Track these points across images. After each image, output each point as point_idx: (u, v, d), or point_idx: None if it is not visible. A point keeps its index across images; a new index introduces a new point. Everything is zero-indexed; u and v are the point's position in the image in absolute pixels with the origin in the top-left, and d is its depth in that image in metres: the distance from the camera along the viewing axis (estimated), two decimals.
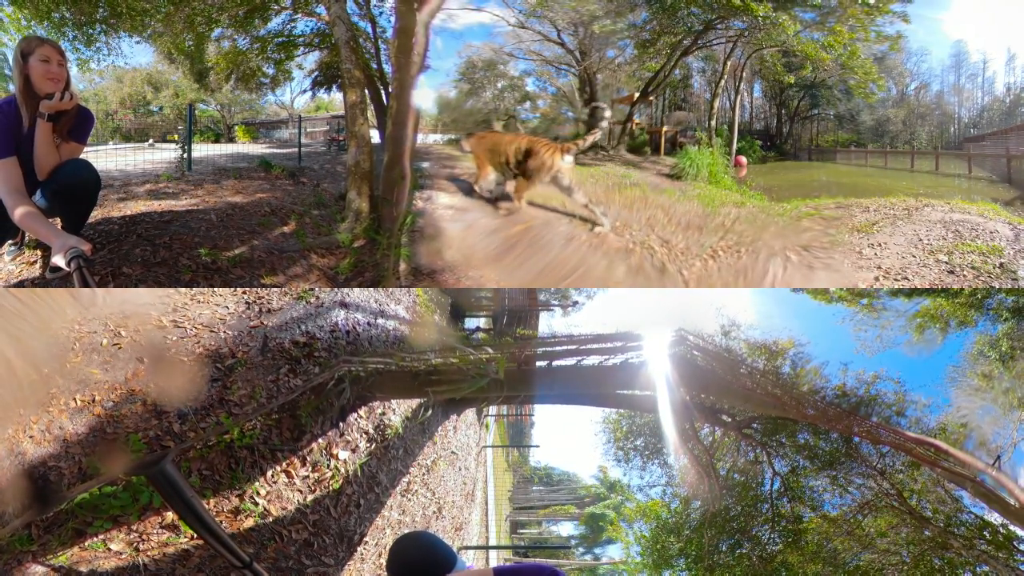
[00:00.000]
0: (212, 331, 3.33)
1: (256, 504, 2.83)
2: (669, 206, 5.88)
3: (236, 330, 3.47)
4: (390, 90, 4.23)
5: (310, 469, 3.30)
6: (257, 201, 5.34)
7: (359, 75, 4.67)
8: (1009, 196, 8.26)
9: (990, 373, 6.60)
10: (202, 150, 7.25)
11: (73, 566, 2.04)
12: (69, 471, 2.25)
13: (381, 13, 6.85)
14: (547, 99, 11.04)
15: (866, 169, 11.96)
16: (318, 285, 3.92)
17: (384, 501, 4.03)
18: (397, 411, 4.66)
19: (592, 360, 4.07)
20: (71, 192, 2.58)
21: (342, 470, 3.56)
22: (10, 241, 3.04)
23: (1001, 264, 4.39)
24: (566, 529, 27.88)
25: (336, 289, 4.58)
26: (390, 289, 5.55)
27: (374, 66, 6.86)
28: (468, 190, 5.49)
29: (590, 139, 4.82)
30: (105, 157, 6.40)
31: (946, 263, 4.41)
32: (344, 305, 4.71)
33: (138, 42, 7.31)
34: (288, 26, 7.43)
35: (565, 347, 4.26)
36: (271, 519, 2.86)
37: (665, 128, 10.99)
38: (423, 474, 5.18)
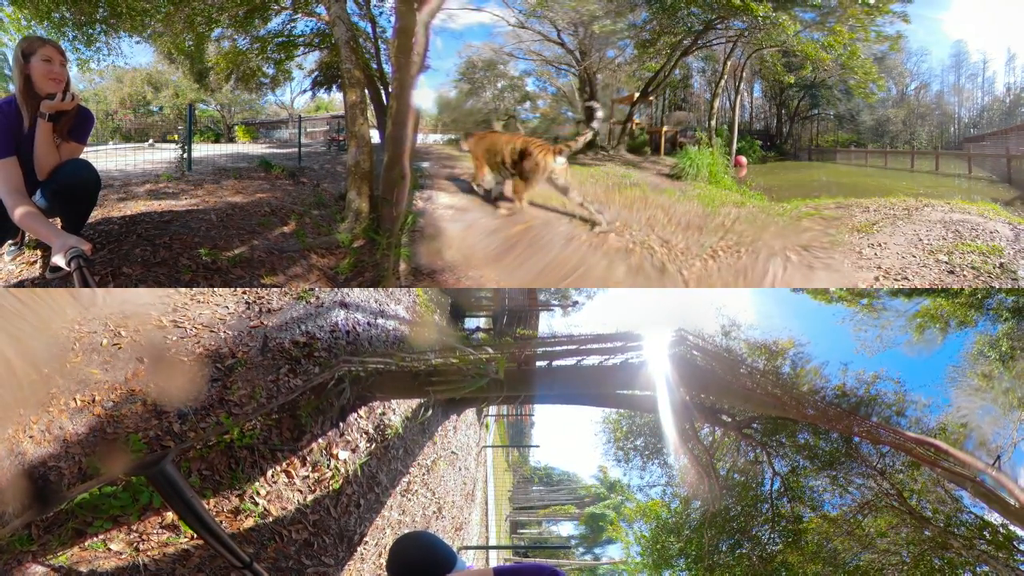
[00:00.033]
0: (212, 331, 3.33)
1: (256, 504, 2.83)
2: (669, 206, 5.88)
3: (236, 330, 3.47)
4: (390, 90, 4.22)
5: (310, 469, 3.30)
6: (257, 201, 5.34)
7: (359, 75, 4.67)
8: (1009, 196, 8.26)
9: (990, 373, 6.60)
10: (202, 150, 7.25)
11: (73, 566, 2.04)
12: (69, 471, 2.25)
13: (381, 13, 6.85)
14: (547, 99, 11.04)
15: (866, 169, 11.96)
16: (318, 285, 3.92)
17: (384, 501, 4.03)
18: (397, 411, 4.66)
19: (592, 360, 4.07)
20: (71, 192, 2.58)
21: (342, 470, 3.56)
22: (10, 241, 3.04)
23: (1001, 264, 4.39)
24: (566, 529, 27.90)
25: (336, 289, 4.58)
26: (390, 289, 5.55)
27: (374, 66, 6.86)
28: (468, 189, 5.50)
29: (581, 140, 4.85)
30: (105, 157, 6.40)
31: (946, 263, 4.42)
32: (344, 305, 4.71)
33: (138, 42, 7.31)
34: (288, 26, 7.43)
35: (565, 347, 4.26)
36: (271, 519, 2.86)
37: (665, 128, 10.99)
38: (423, 474, 5.18)
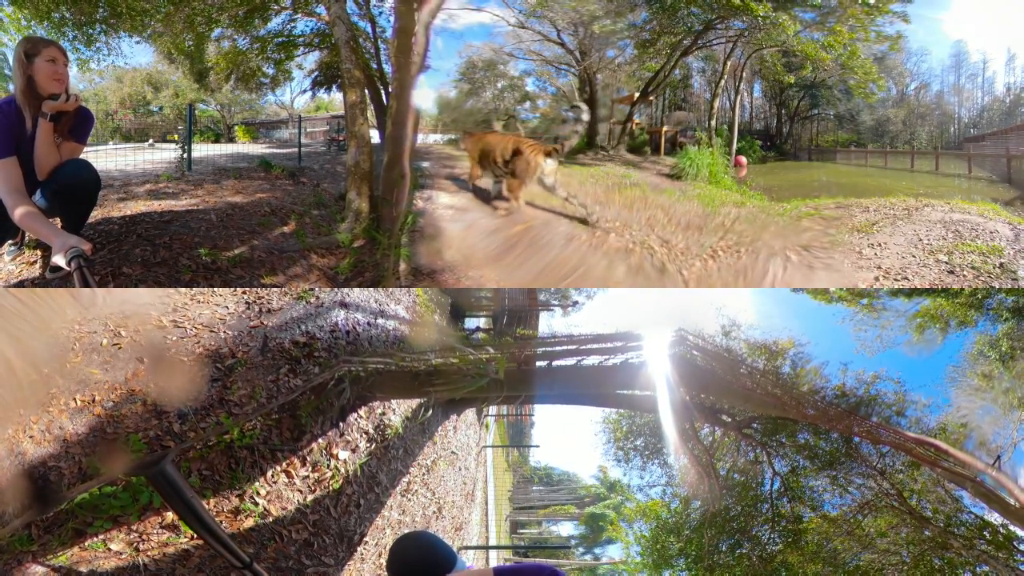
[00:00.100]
0: (212, 331, 3.33)
1: (256, 504, 2.83)
2: (669, 206, 5.88)
3: (236, 330, 3.47)
4: (390, 90, 4.23)
5: (310, 469, 3.30)
6: (257, 201, 5.34)
7: (359, 75, 4.67)
8: (1009, 196, 8.26)
9: (990, 373, 6.60)
10: (202, 150, 7.25)
11: (73, 566, 2.04)
12: (69, 471, 2.25)
13: (381, 13, 6.85)
14: (547, 99, 11.04)
15: (866, 169, 11.96)
16: (318, 285, 3.92)
17: (384, 501, 4.03)
18: (397, 411, 4.66)
19: (592, 360, 4.07)
20: (71, 192, 2.58)
21: (342, 470, 3.56)
22: (10, 241, 3.04)
23: (1001, 264, 4.39)
24: (566, 529, 27.92)
25: (336, 289, 4.58)
26: (390, 289, 5.55)
27: (374, 66, 6.87)
28: (468, 189, 5.51)
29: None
30: (105, 157, 6.39)
31: (946, 263, 4.41)
32: (344, 305, 4.71)
33: (138, 42, 7.31)
34: (288, 26, 7.43)
35: (565, 347, 4.26)
36: (271, 519, 2.86)
37: (665, 128, 10.99)
38: (423, 474, 5.18)
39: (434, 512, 5.32)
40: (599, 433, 8.70)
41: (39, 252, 3.08)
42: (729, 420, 5.49)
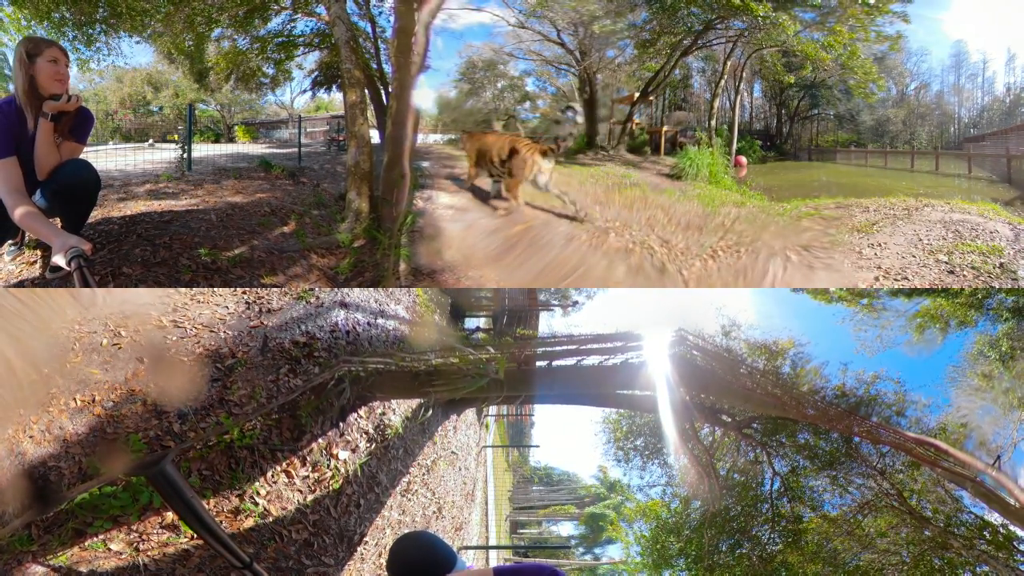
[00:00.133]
0: (212, 331, 3.33)
1: (256, 504, 2.83)
2: (669, 206, 5.88)
3: (236, 330, 3.47)
4: (390, 90, 4.23)
5: (310, 469, 3.30)
6: (257, 201, 5.34)
7: (359, 75, 4.67)
8: (1009, 196, 8.25)
9: (990, 373, 6.61)
10: (202, 150, 7.25)
11: (73, 566, 2.04)
12: (69, 471, 2.25)
13: (381, 13, 6.85)
14: (547, 99, 11.04)
15: (866, 169, 11.96)
16: (318, 285, 3.92)
17: (384, 501, 4.03)
18: (397, 411, 4.66)
19: (592, 360, 4.07)
20: (71, 192, 2.58)
21: (342, 470, 3.56)
22: (10, 241, 3.04)
23: (1001, 264, 4.38)
24: (566, 529, 27.93)
25: (336, 289, 4.59)
26: (390, 289, 5.55)
27: (374, 66, 6.86)
28: (468, 188, 5.52)
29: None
30: (105, 157, 6.39)
31: (946, 263, 4.41)
32: (344, 305, 4.71)
33: (138, 42, 7.31)
34: (288, 26, 7.43)
35: (565, 347, 4.26)
36: (271, 519, 2.86)
37: (665, 128, 10.99)
38: (423, 474, 5.18)
39: (434, 512, 5.32)
40: (599, 433, 8.71)
41: (39, 252, 3.08)
42: (729, 420, 5.50)
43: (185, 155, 6.44)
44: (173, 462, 1.25)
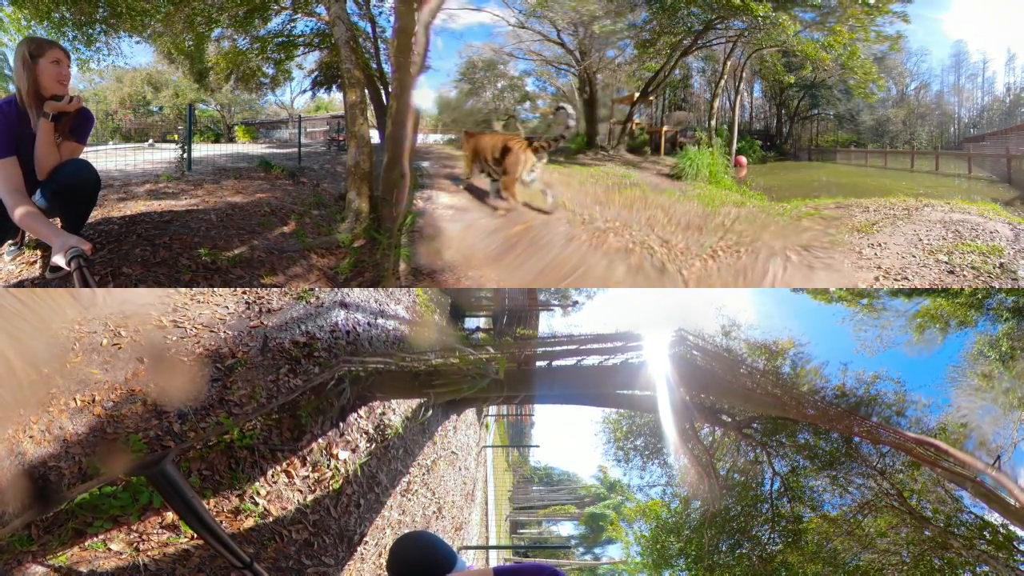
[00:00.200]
0: (212, 331, 3.33)
1: (256, 504, 2.83)
2: (669, 206, 5.88)
3: (236, 330, 3.47)
4: (390, 90, 4.22)
5: (310, 469, 3.30)
6: (257, 201, 5.34)
7: (359, 75, 4.67)
8: (1009, 196, 8.26)
9: (990, 373, 6.61)
10: (202, 150, 7.25)
11: (73, 566, 2.04)
12: (69, 471, 2.25)
13: (381, 13, 6.84)
14: (547, 99, 11.04)
15: (866, 169, 11.96)
16: (318, 285, 3.92)
17: (384, 501, 4.03)
18: (397, 411, 4.66)
19: (592, 360, 4.08)
20: (71, 192, 2.57)
21: (342, 470, 3.56)
22: (10, 241, 3.04)
23: (1001, 264, 4.39)
24: (566, 529, 27.93)
25: (336, 289, 4.59)
26: (390, 289, 5.55)
27: (374, 66, 6.86)
28: (467, 188, 5.53)
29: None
30: (105, 157, 6.39)
31: (946, 263, 4.41)
32: (344, 305, 4.71)
33: (138, 42, 7.31)
34: (288, 26, 7.43)
35: (565, 347, 4.26)
36: (271, 519, 2.86)
37: (665, 128, 10.99)
38: (423, 474, 5.18)
39: (434, 512, 5.32)
40: (599, 433, 8.71)
41: (39, 252, 3.08)
42: (729, 420, 5.50)
43: (185, 155, 6.44)
44: (173, 462, 1.25)
